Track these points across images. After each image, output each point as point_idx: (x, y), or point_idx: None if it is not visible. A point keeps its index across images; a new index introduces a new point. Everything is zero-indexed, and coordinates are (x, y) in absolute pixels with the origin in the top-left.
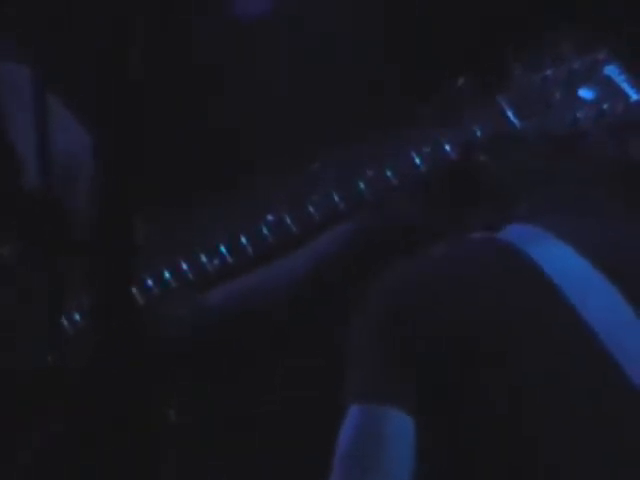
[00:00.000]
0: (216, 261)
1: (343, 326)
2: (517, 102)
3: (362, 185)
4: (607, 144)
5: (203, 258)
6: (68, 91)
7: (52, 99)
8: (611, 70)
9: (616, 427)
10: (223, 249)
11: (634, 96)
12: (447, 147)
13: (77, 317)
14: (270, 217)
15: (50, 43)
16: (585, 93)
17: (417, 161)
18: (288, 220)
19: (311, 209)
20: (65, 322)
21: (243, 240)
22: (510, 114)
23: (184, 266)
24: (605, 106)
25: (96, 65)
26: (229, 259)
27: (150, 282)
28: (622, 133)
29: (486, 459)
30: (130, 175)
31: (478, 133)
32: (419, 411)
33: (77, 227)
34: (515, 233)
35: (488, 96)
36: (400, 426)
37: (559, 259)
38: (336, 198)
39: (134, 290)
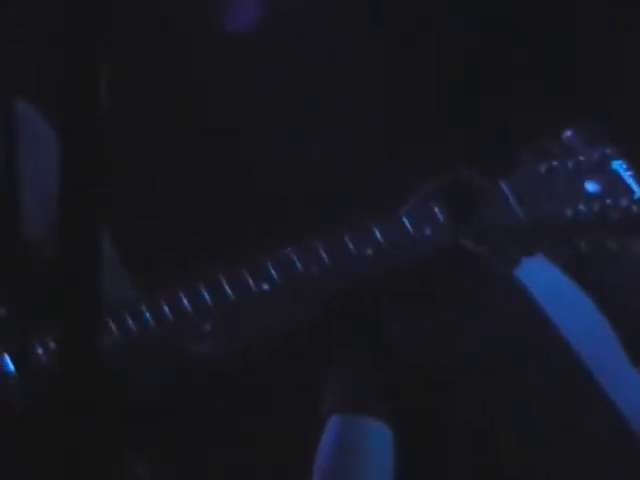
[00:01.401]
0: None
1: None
2: (520, 190)
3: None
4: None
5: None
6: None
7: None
8: (618, 165)
9: (597, 446)
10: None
11: (639, 193)
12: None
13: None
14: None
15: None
16: (590, 186)
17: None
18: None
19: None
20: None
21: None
22: (512, 201)
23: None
24: (609, 201)
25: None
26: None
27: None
28: (623, 229)
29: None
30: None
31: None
32: (397, 424)
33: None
34: None
35: (492, 181)
36: (379, 437)
37: (543, 277)
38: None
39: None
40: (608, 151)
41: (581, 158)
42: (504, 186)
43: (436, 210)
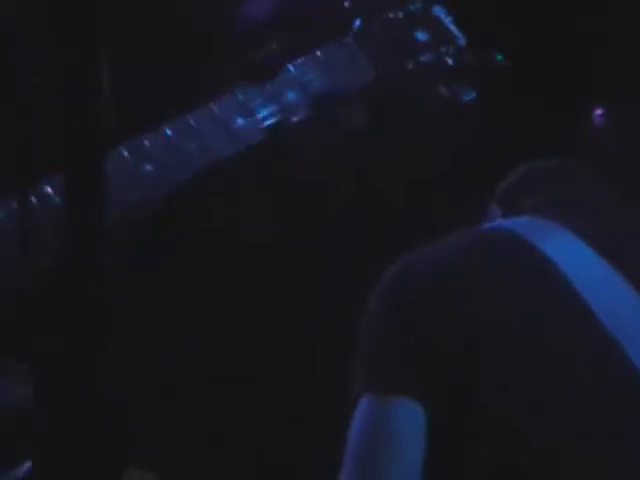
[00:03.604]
0: None
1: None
2: (367, 47)
3: None
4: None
5: None
6: None
7: None
8: (439, 11)
9: (621, 417)
10: None
11: (461, 39)
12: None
13: None
14: None
15: None
16: (421, 36)
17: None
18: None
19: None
20: None
21: None
22: (360, 59)
23: None
24: (442, 49)
25: None
26: None
27: None
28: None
29: (488, 453)
30: None
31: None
32: (425, 398)
33: None
34: (525, 225)
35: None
36: (410, 415)
37: (570, 252)
38: None
39: None
40: None
41: (411, 8)
42: (350, 45)
43: None
